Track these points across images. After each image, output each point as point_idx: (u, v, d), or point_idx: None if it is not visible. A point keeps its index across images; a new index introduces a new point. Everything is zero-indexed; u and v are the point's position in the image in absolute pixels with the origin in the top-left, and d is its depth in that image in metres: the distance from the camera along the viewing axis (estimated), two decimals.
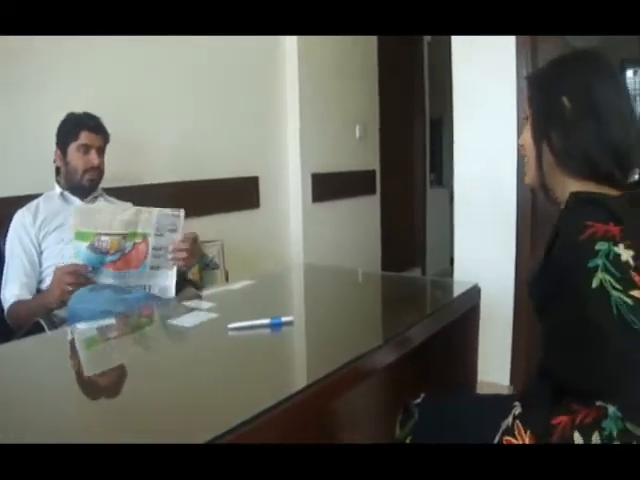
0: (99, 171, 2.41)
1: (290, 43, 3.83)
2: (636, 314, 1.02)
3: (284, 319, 1.57)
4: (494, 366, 3.09)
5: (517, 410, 1.15)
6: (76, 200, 2.39)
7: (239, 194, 3.57)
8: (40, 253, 2.24)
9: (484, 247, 3.19)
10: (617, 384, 1.06)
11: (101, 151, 2.40)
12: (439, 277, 3.90)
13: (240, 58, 3.52)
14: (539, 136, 1.27)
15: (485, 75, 3.18)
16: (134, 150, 2.87)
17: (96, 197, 2.45)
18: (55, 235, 2.25)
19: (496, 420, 1.24)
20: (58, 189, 2.40)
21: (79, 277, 1.93)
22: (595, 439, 1.06)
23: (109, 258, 1.95)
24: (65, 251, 2.15)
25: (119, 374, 1.35)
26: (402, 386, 1.67)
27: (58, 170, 2.43)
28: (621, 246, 1.06)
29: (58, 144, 2.39)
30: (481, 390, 2.07)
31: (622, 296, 1.03)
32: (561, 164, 1.25)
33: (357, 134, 4.49)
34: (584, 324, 1.12)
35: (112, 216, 1.99)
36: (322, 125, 4.10)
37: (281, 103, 3.86)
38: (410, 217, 5.60)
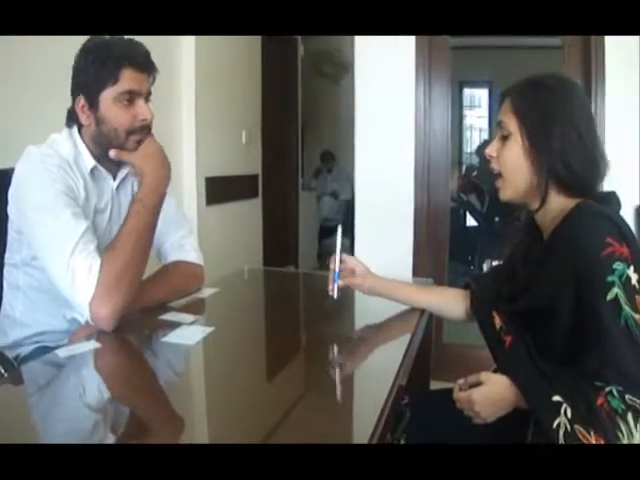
0: (149, 128, 1.56)
1: (187, 49, 3.57)
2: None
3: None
4: None
5: (568, 411, 1.06)
6: (110, 179, 1.63)
7: None
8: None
9: (383, 248, 3.15)
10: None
11: (148, 97, 1.56)
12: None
13: None
14: (537, 158, 1.23)
15: (385, 91, 3.14)
16: None
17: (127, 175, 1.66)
18: None
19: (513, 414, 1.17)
20: (90, 159, 1.56)
21: None
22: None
23: None
24: None
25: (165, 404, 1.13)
26: None
27: (79, 127, 1.57)
28: (631, 268, 1.08)
29: (81, 89, 1.51)
30: None
31: (632, 312, 1.06)
32: (559, 183, 1.23)
33: (243, 139, 4.30)
34: (587, 326, 1.11)
35: None
36: (214, 130, 3.88)
37: (177, 110, 3.59)
38: (285, 218, 5.51)
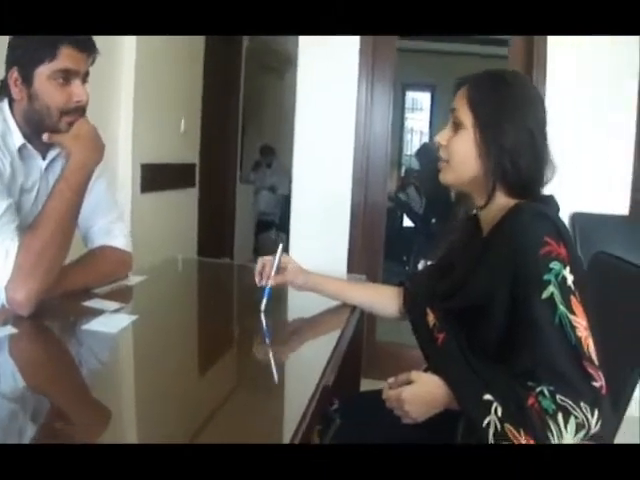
0: (83, 110, 1.51)
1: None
2: (574, 331, 1.05)
3: None
4: None
5: (499, 410, 1.06)
6: (39, 159, 1.55)
7: None
8: None
9: (318, 245, 3.14)
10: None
11: (86, 78, 1.50)
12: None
13: None
14: (487, 154, 1.22)
15: (327, 88, 3.14)
16: None
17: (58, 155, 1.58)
18: None
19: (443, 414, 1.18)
20: (19, 136, 1.48)
21: None
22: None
23: None
24: None
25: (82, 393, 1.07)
26: None
27: (10, 100, 1.49)
28: (567, 269, 1.09)
29: (15, 61, 1.43)
30: None
31: (567, 312, 1.06)
32: (505, 181, 1.22)
33: (182, 127, 4.21)
34: (521, 324, 1.11)
35: None
36: (152, 116, 3.77)
37: (115, 93, 3.49)
38: (222, 210, 5.44)
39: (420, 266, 4.69)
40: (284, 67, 6.90)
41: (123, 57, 3.49)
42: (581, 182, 2.89)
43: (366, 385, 2.03)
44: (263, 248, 6.63)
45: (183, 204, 4.38)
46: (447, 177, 1.30)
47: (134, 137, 3.56)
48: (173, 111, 4.09)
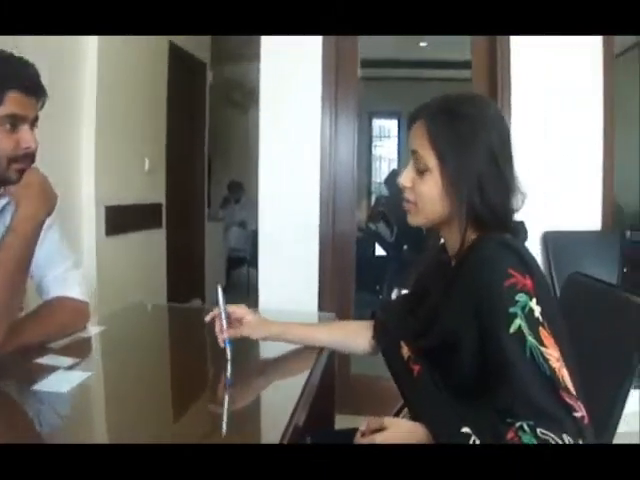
0: (33, 157, 1.44)
1: (90, 71, 3.42)
2: (547, 363, 1.01)
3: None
4: None
5: (477, 443, 1.00)
6: None
7: None
8: None
9: (287, 279, 3.08)
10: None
11: (35, 123, 1.44)
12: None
13: None
14: (456, 197, 1.17)
15: (290, 120, 3.11)
16: None
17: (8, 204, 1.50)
18: None
19: None
20: None
21: None
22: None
23: None
24: None
25: None
26: None
27: None
28: (534, 301, 1.05)
29: None
30: None
31: (537, 345, 1.02)
32: (476, 219, 1.17)
33: (146, 167, 4.15)
34: (492, 360, 1.07)
35: None
36: (115, 157, 3.72)
37: (76, 135, 3.43)
38: (191, 250, 5.36)
39: (394, 295, 4.66)
40: (248, 101, 6.89)
41: (83, 98, 3.45)
42: (551, 199, 2.88)
43: (341, 421, 1.97)
44: (235, 285, 6.54)
45: (150, 245, 4.31)
46: (416, 220, 1.25)
47: (97, 179, 3.52)
48: (136, 150, 4.05)
